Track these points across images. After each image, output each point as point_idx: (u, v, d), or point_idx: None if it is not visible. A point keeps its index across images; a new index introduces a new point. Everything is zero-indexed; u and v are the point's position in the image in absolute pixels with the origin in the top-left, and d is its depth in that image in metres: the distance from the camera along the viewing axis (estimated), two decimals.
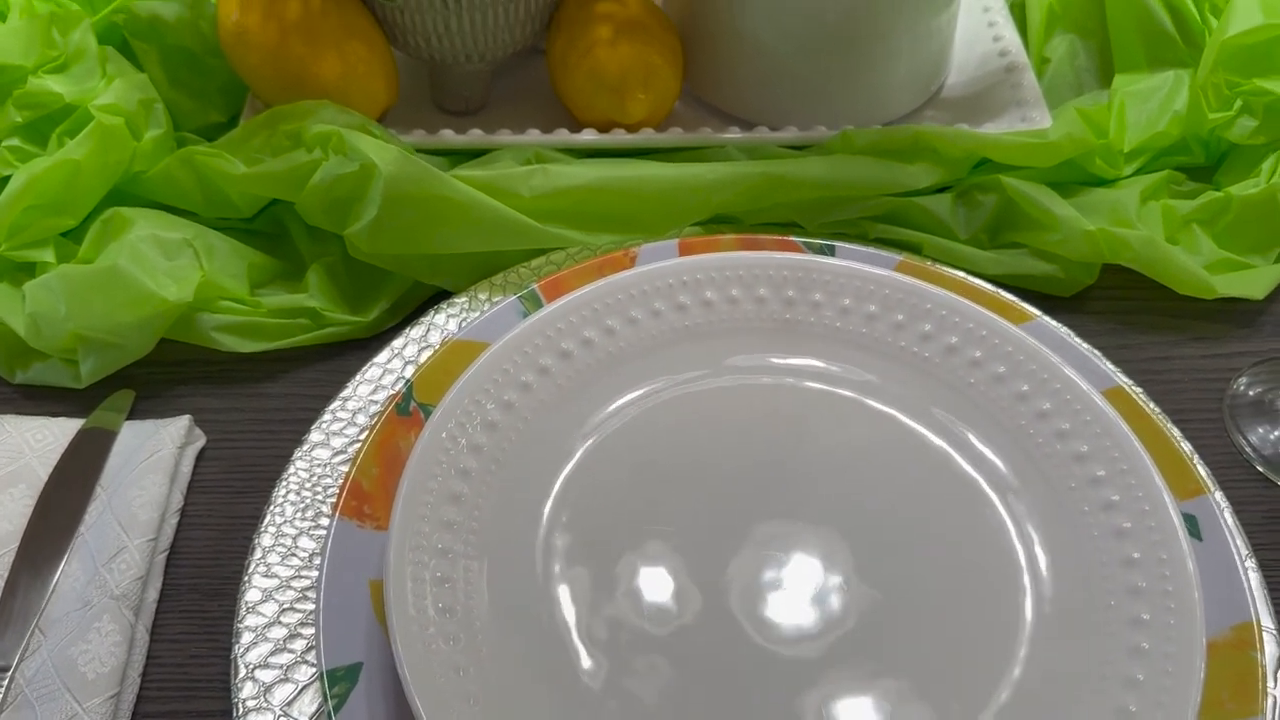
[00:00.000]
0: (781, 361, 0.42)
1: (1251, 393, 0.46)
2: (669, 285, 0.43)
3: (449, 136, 0.52)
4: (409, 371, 0.45)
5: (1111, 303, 0.50)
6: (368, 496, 0.38)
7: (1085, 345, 0.45)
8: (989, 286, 0.47)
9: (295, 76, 0.49)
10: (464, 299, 0.47)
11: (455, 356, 0.42)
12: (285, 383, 0.47)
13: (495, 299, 0.47)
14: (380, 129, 0.49)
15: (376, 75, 0.51)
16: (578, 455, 0.39)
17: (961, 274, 0.48)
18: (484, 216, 0.46)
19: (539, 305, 0.44)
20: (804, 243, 0.47)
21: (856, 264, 0.43)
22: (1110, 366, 0.45)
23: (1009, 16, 0.58)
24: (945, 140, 0.49)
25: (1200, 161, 0.52)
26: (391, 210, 0.45)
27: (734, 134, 0.52)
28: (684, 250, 0.46)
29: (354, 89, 0.50)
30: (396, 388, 0.44)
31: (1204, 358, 0.48)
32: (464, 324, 0.46)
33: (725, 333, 0.42)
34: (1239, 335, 0.49)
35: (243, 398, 0.46)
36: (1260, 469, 0.44)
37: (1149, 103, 0.52)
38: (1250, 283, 0.48)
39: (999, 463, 0.39)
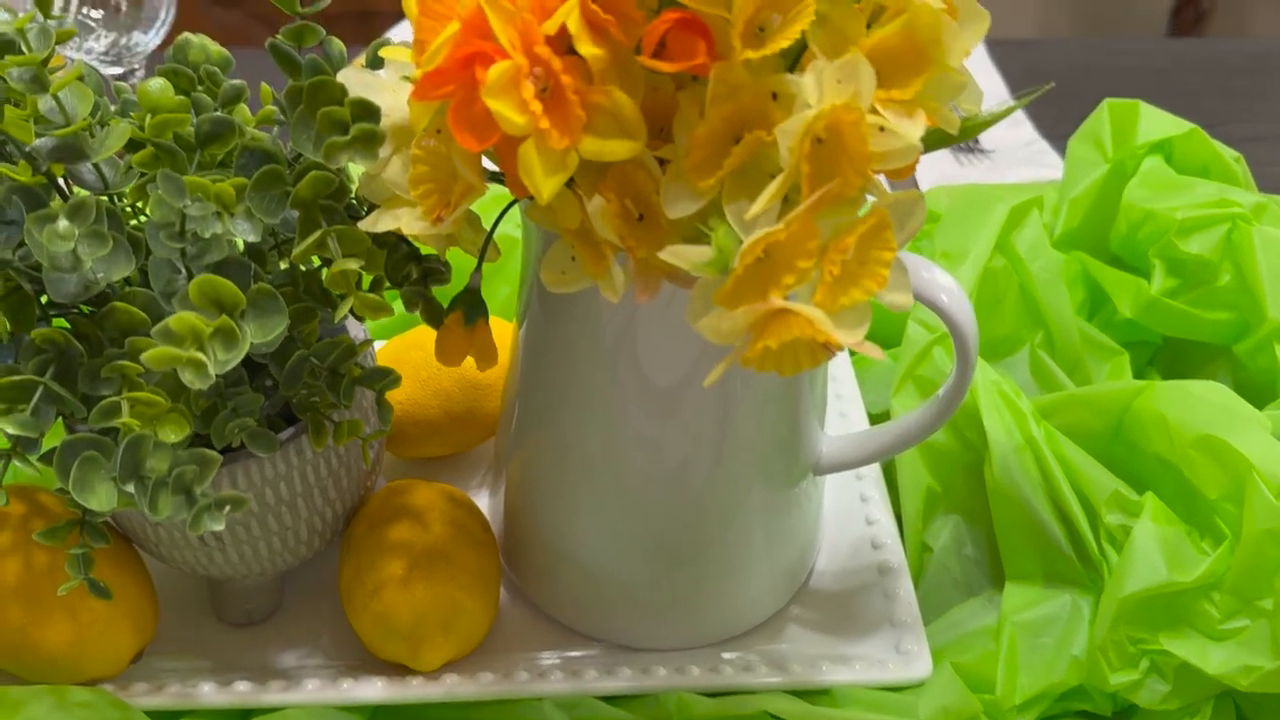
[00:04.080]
0: None
1: None
2: None
3: (207, 695, 0.43)
4: None
5: None
6: None
7: None
8: None
9: (15, 646, 0.41)
10: None
11: None
12: None
13: None
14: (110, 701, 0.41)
15: (120, 627, 0.42)
16: None
17: None
18: None
19: None
20: None
21: None
22: None
23: (884, 492, 0.50)
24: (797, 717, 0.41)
25: (1106, 714, 0.43)
26: None
27: (552, 683, 0.44)
28: None
29: (89, 653, 0.42)
30: None
31: None
32: None
33: None
34: None
35: None
36: None
37: (1043, 637, 0.44)
38: None
39: None
